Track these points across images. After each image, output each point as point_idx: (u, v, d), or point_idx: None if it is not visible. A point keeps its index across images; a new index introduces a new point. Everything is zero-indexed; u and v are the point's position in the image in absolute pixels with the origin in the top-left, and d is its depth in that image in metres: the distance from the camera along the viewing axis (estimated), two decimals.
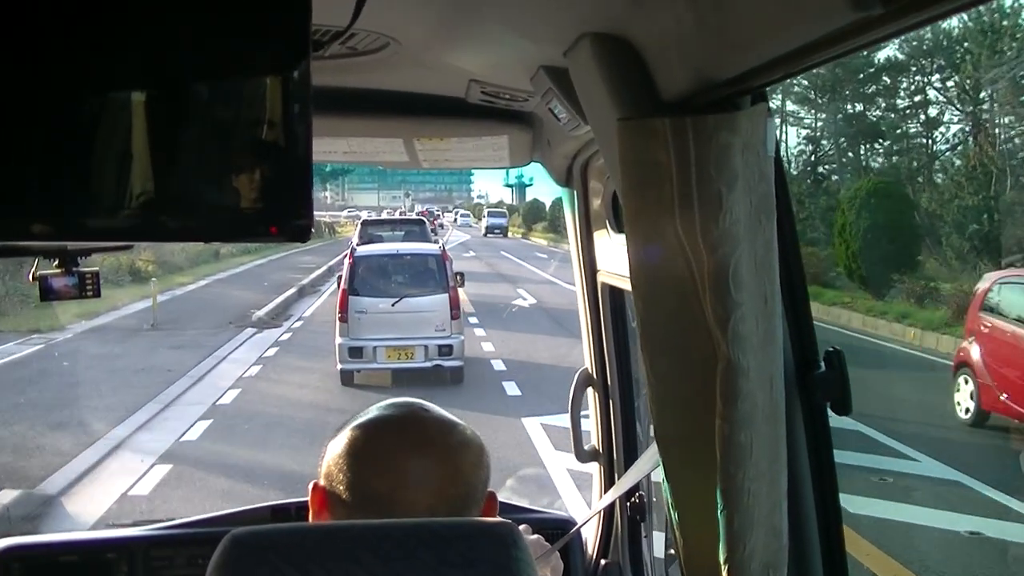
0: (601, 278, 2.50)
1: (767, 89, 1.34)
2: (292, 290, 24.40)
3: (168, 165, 0.98)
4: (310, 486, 1.33)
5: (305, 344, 17.28)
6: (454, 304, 13.38)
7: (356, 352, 12.99)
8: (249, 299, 22.59)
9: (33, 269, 2.24)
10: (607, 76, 1.40)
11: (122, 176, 0.98)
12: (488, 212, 75.60)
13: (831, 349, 1.48)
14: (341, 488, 1.28)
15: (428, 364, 13.04)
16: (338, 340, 13.10)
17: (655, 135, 1.26)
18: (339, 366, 13.10)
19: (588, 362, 2.64)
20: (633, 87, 1.38)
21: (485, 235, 63.61)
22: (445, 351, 13.08)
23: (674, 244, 1.30)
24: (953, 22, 32.74)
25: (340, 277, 14.41)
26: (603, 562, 2.62)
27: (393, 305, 13.26)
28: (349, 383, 13.11)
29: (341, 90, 2.12)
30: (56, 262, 2.23)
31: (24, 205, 0.95)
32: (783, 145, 39.81)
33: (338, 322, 13.20)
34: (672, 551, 1.68)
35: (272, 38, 1.03)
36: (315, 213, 1.10)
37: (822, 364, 1.50)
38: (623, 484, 2.18)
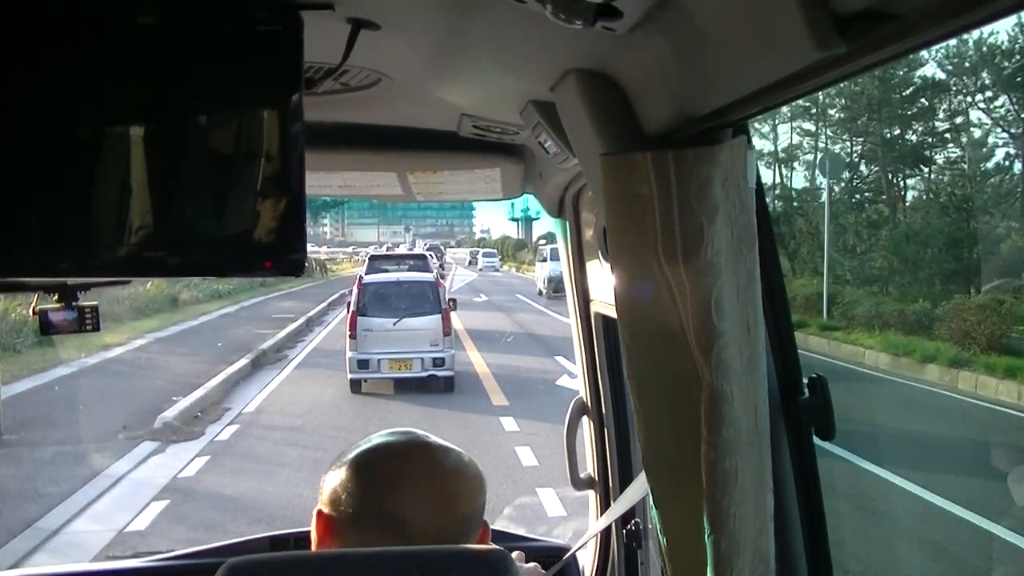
0: (594, 307, 2.52)
1: (748, 122, 1.38)
2: (244, 360, 17.33)
3: (164, 201, 1.00)
4: (313, 513, 1.36)
5: (219, 494, 9.48)
6: (446, 323, 15.36)
7: (363, 364, 14.91)
8: (181, 373, 15.81)
9: (33, 304, 2.27)
10: (592, 111, 1.44)
11: (119, 213, 0.99)
12: (550, 251, 34.20)
13: (815, 375, 1.51)
14: (351, 511, 1.31)
15: (424, 374, 15.01)
16: (348, 354, 14.99)
17: (637, 168, 1.30)
18: (349, 376, 14.92)
19: (583, 391, 2.66)
20: (617, 121, 1.41)
21: (546, 295, 33.88)
22: (439, 363, 15.06)
23: (657, 275, 1.32)
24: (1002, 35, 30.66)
25: (348, 303, 16.27)
26: None
27: (394, 324, 15.21)
28: (358, 391, 14.92)
29: (335, 125, 2.15)
30: (56, 296, 2.25)
31: (25, 241, 0.97)
32: (813, 171, 38.13)
33: (348, 339, 15.09)
34: None
35: (265, 76, 1.06)
36: (308, 248, 1.12)
37: (806, 391, 1.52)
38: (615, 510, 2.19)
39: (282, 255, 1.04)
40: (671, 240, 1.28)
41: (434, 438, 1.40)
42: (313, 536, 1.35)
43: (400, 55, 1.68)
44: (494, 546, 1.23)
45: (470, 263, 70.13)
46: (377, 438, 1.39)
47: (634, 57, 1.33)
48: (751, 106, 1.18)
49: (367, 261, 24.28)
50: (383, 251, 41.02)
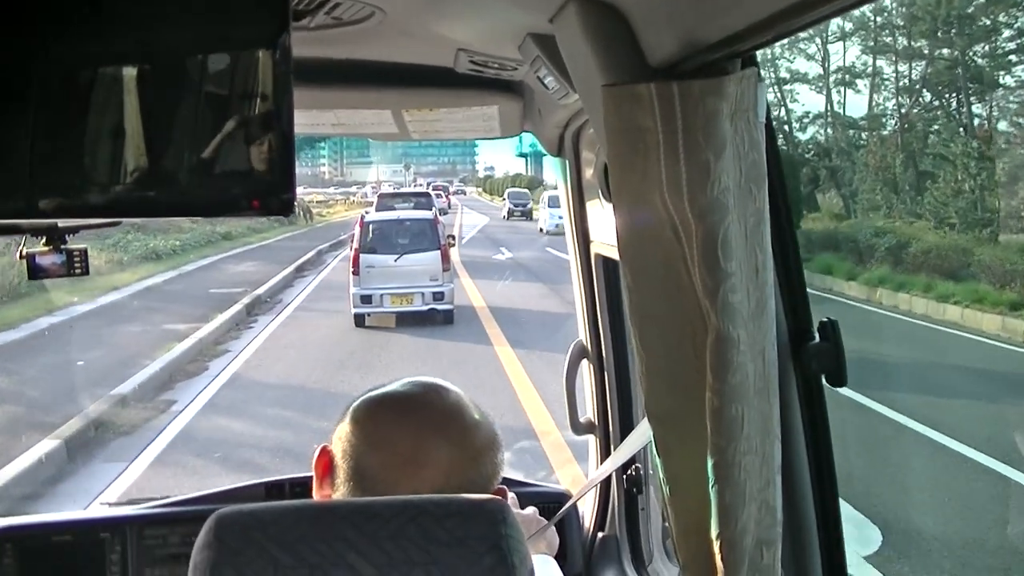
0: (595, 248, 2.48)
1: (758, 54, 1.32)
2: (52, 443, 8.43)
3: (151, 141, 0.98)
4: (318, 449, 1.32)
5: None
6: (445, 259, 16.12)
7: (367, 299, 15.61)
8: None
9: (21, 247, 2.23)
10: (593, 42, 1.37)
11: (106, 153, 0.98)
12: None
13: (825, 320, 1.46)
14: (339, 460, 1.28)
15: (424, 308, 15.72)
16: (352, 290, 15.67)
17: (641, 101, 1.24)
18: (353, 310, 15.57)
19: (582, 334, 2.62)
20: (620, 53, 1.35)
21: None
22: (438, 297, 15.79)
23: (662, 213, 1.27)
24: None
25: (350, 242, 16.88)
26: (600, 535, 2.61)
27: (396, 260, 15.95)
28: (361, 324, 15.58)
29: (327, 61, 2.08)
30: (44, 240, 2.21)
31: (12, 183, 0.94)
32: (877, 96, 35.46)
33: (351, 275, 15.76)
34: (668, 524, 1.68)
35: (252, 9, 1.01)
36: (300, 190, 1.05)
37: (816, 335, 1.47)
38: (617, 457, 2.17)
39: (270, 194, 1.01)
40: (676, 177, 1.23)
41: (447, 395, 1.32)
42: (314, 472, 1.31)
43: None
44: (491, 496, 1.19)
45: (510, 215, 44.90)
46: (394, 385, 1.33)
47: None
48: (763, 33, 1.11)
49: (376, 199, 26.42)
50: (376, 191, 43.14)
